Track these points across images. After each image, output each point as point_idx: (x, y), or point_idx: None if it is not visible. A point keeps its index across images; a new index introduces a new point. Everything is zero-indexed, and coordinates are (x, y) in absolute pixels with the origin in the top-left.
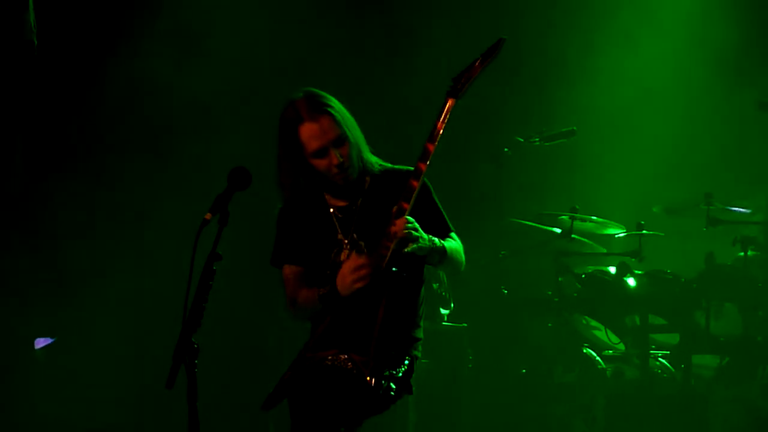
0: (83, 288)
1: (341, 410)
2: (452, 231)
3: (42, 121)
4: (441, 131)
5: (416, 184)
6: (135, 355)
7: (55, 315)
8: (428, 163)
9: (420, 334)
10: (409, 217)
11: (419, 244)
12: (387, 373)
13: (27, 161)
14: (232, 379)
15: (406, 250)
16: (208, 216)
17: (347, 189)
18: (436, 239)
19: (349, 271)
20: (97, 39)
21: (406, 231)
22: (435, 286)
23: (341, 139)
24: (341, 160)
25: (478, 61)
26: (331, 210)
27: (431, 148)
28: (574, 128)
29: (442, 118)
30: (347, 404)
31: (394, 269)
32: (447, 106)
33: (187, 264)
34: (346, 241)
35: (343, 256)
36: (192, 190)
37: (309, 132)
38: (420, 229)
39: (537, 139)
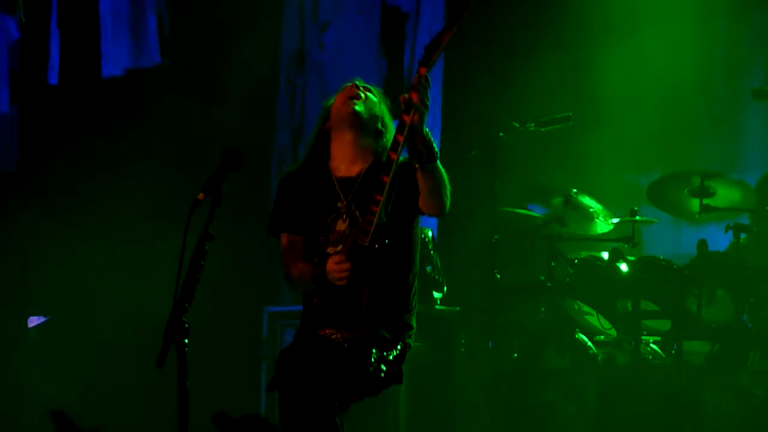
0: (72, 266)
1: (330, 380)
2: None
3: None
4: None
5: (394, 156)
6: (125, 334)
7: (43, 291)
8: (405, 133)
9: (413, 322)
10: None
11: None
12: (376, 351)
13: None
14: (224, 360)
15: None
16: (200, 196)
17: (352, 160)
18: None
19: (333, 266)
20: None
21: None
22: (428, 269)
23: (367, 99)
24: (359, 92)
25: (446, 30)
26: (334, 179)
27: (407, 119)
28: (570, 114)
29: (415, 87)
30: (336, 375)
31: (377, 245)
32: (421, 74)
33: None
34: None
35: (338, 224)
36: (182, 170)
37: (342, 93)
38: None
39: (532, 125)
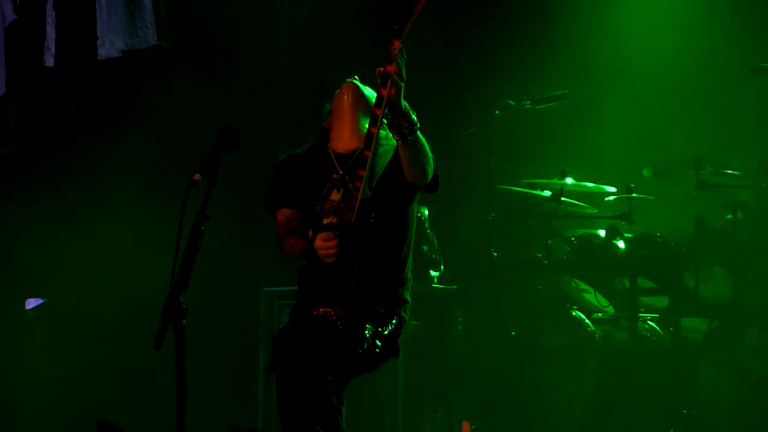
0: (69, 247)
1: (324, 359)
2: None
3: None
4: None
5: (374, 130)
6: (123, 315)
7: (40, 273)
8: (383, 107)
9: (407, 296)
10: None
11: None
12: (370, 326)
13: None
14: (222, 340)
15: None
16: (197, 176)
17: (350, 137)
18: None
19: (321, 243)
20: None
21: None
22: (425, 248)
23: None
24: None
25: (417, 2)
26: (332, 153)
27: (384, 92)
28: (566, 91)
29: (391, 60)
30: (331, 353)
31: (363, 220)
32: (395, 46)
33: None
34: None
35: (333, 194)
36: (179, 150)
37: (344, 86)
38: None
39: (528, 102)
